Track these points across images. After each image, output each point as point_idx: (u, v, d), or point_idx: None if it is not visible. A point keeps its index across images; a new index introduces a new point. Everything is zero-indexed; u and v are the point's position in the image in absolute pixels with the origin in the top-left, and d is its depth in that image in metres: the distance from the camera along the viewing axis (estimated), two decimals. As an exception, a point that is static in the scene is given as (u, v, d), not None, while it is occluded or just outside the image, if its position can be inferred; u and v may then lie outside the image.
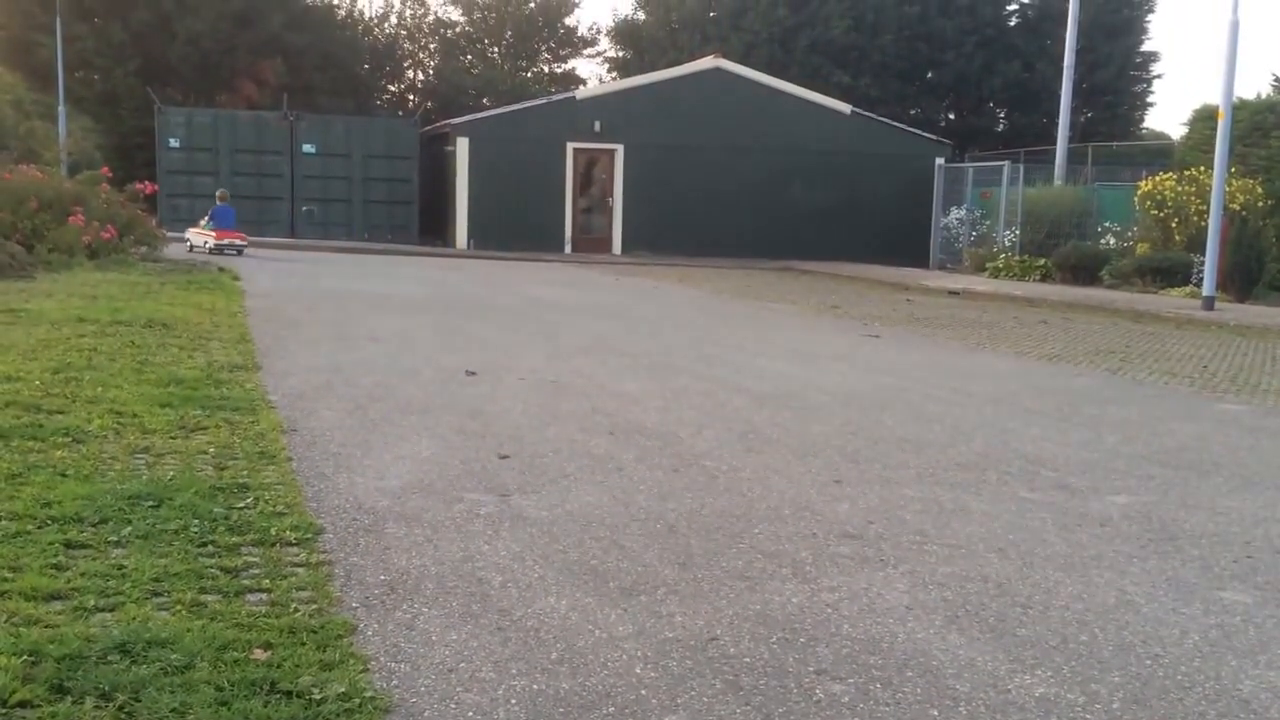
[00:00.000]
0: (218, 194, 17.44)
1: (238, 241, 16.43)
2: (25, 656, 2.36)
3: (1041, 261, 17.80)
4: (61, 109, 21.94)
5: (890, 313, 12.24)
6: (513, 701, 2.39)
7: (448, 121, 22.37)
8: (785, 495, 4.14)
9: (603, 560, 3.32)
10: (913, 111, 28.52)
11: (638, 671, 2.56)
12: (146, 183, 15.75)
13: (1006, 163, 19.74)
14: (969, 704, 2.47)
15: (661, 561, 3.33)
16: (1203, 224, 14.38)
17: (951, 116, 30.25)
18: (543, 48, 33.50)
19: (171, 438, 4.37)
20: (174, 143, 21.03)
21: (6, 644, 2.42)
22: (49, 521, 3.26)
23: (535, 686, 2.46)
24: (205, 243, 16.37)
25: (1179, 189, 16.13)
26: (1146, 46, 30.50)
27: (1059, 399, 6.66)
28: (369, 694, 2.33)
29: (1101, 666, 2.70)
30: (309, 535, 3.34)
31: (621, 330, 9.44)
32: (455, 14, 33.17)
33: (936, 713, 2.42)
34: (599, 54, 34.13)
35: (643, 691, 2.46)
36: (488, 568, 3.21)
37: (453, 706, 2.35)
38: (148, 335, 6.99)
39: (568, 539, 3.51)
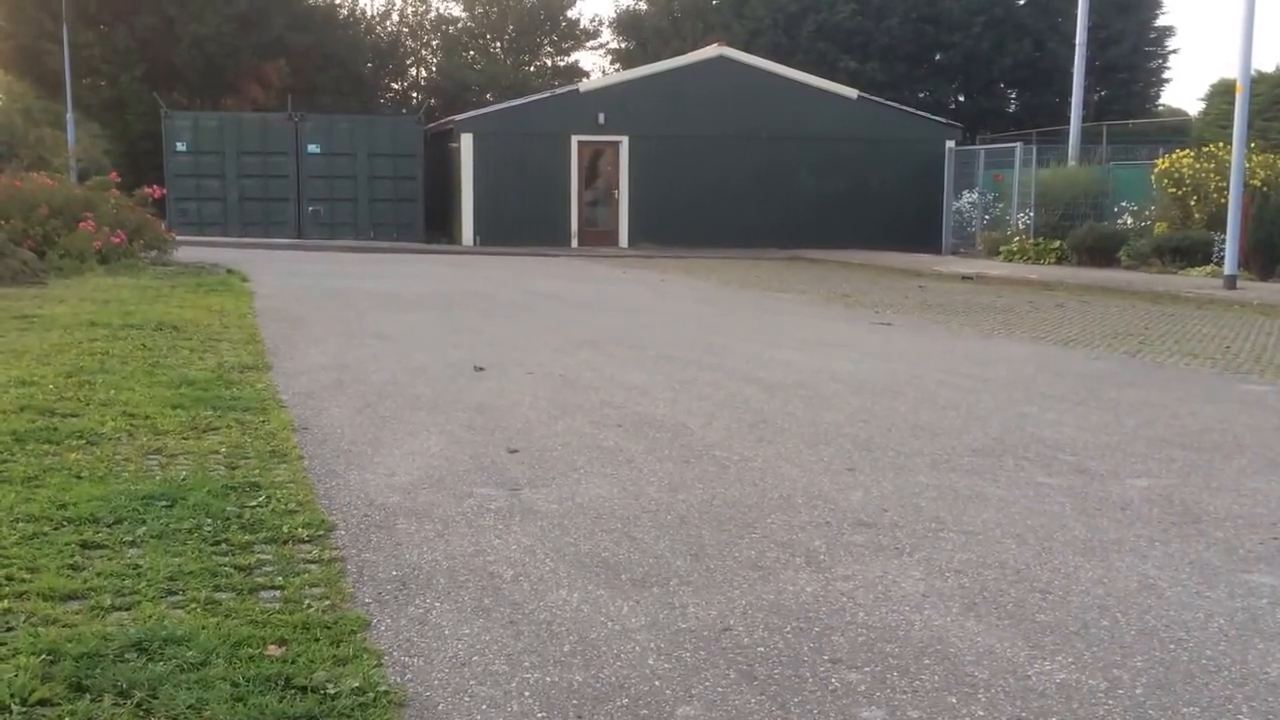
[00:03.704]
0: None
1: None
2: (44, 655, 2.38)
3: (1057, 244, 17.57)
4: (70, 116, 22.05)
5: (902, 300, 12.17)
6: (526, 694, 2.38)
7: (451, 118, 22.35)
8: (798, 484, 4.11)
9: (614, 552, 3.31)
10: (921, 95, 28.23)
11: (651, 663, 2.55)
12: (155, 187, 15.79)
13: (1019, 144, 19.52)
14: (988, 691, 2.45)
15: (673, 553, 3.32)
16: (1223, 201, 14.15)
17: (961, 99, 29.91)
18: (545, 41, 33.45)
19: (184, 438, 4.38)
20: (181, 146, 21.10)
21: (26, 643, 2.44)
22: (65, 523, 3.28)
23: (548, 679, 2.45)
24: None
25: (1197, 166, 15.87)
26: (1161, 21, 29.95)
27: (1076, 383, 6.60)
28: (383, 688, 2.33)
29: (1124, 652, 2.67)
30: (321, 532, 3.34)
31: (629, 323, 9.42)
32: (457, 10, 33.20)
33: (955, 700, 2.40)
34: (601, 46, 34.05)
35: (656, 683, 2.45)
36: (499, 561, 3.20)
37: (466, 700, 2.34)
38: (159, 338, 7.01)
39: (579, 532, 3.50)
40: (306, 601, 2.78)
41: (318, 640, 2.53)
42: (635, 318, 9.83)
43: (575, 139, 21.21)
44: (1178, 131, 21.36)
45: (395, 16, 32.29)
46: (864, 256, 18.96)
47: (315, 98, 25.76)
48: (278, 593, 2.84)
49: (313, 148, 21.45)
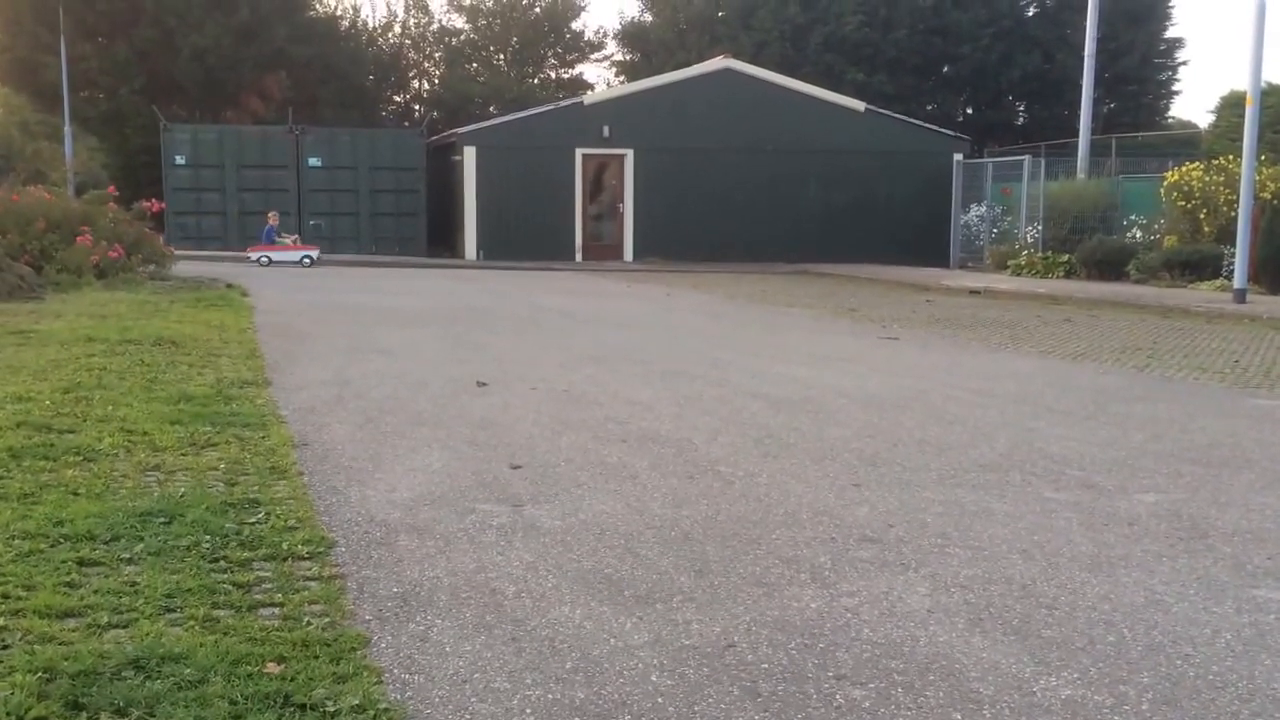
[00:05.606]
0: (270, 215, 19.34)
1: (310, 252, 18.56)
2: (40, 674, 2.37)
3: (1065, 258, 17.50)
4: (68, 129, 22.10)
5: (909, 314, 12.15)
6: (528, 712, 2.35)
7: (454, 131, 22.41)
8: (803, 500, 4.08)
9: (617, 569, 3.28)
10: (929, 107, 28.26)
11: (654, 680, 2.52)
12: (153, 201, 15.81)
13: (1027, 157, 19.52)
14: (993, 707, 2.42)
15: (677, 569, 3.29)
16: (1232, 214, 14.12)
17: (969, 111, 29.95)
18: (549, 53, 33.55)
19: (182, 454, 4.36)
20: (180, 160, 21.12)
21: (22, 661, 2.42)
22: (62, 540, 3.26)
23: (550, 696, 2.43)
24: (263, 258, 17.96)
25: (1207, 179, 15.81)
26: (1171, 32, 30.06)
27: (1084, 397, 6.57)
28: (383, 706, 2.31)
29: (1130, 667, 2.64)
30: (321, 549, 3.32)
31: (633, 338, 9.41)
32: (460, 22, 33.28)
33: (960, 716, 2.37)
34: (606, 58, 34.16)
35: (659, 700, 2.42)
36: (501, 578, 3.17)
37: (467, 717, 2.32)
38: (157, 353, 7.00)
39: (581, 548, 3.47)
40: (306, 619, 2.76)
41: (317, 658, 2.51)
42: (640, 332, 9.82)
43: (580, 152, 21.26)
44: (1187, 144, 21.34)
45: (397, 28, 32.43)
46: (871, 270, 18.94)
47: (316, 110, 25.83)
48: (277, 610, 2.82)
49: (314, 161, 21.49)
